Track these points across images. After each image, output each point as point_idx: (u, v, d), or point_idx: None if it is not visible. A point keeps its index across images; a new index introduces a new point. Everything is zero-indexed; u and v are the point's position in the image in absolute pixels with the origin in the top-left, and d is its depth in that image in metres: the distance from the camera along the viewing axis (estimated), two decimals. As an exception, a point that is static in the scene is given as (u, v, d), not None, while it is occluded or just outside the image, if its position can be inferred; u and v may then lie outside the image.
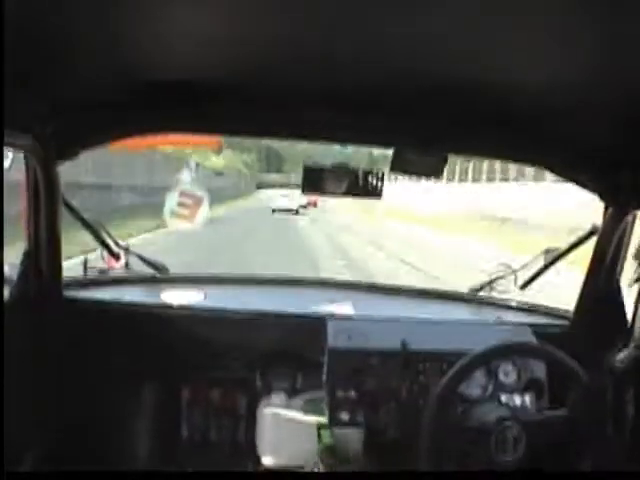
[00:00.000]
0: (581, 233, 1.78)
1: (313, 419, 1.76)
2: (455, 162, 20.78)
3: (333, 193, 1.64)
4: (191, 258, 8.05)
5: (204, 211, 2.13)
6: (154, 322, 1.81)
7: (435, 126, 1.46)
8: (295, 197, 22.65)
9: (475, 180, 22.88)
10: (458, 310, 2.07)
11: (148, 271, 2.05)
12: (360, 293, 2.17)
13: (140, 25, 0.97)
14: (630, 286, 1.55)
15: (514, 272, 2.03)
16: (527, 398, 1.64)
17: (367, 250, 13.46)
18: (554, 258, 1.87)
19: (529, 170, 16.28)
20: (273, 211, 23.67)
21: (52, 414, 1.66)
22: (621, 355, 1.46)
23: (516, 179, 19.23)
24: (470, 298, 2.10)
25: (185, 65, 1.21)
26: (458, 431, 1.49)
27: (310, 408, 1.78)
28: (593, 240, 1.71)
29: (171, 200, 2.13)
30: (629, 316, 1.63)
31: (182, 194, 2.16)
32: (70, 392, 1.69)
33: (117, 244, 1.97)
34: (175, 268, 2.20)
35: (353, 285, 2.29)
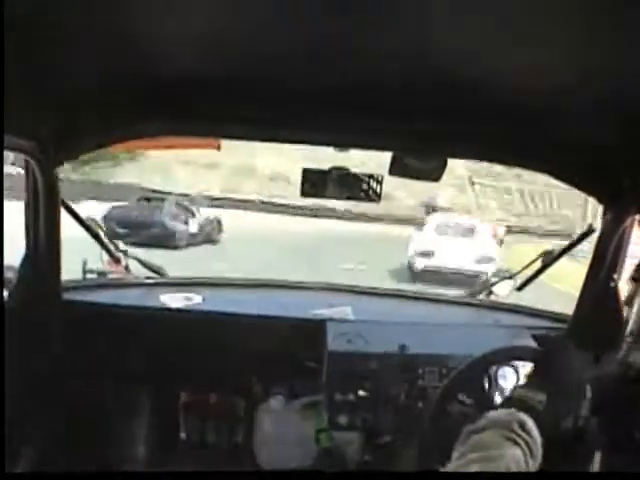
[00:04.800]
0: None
1: (312, 422, 1.76)
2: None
3: (332, 197, 1.64)
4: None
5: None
6: (153, 325, 1.81)
7: (435, 129, 1.46)
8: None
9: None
10: (457, 313, 2.07)
11: (147, 274, 2.05)
12: (359, 297, 2.17)
13: (140, 27, 0.97)
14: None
15: (512, 275, 2.04)
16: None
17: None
18: (551, 260, 1.87)
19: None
20: None
21: (51, 416, 1.65)
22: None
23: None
24: (469, 301, 2.10)
25: (186, 67, 1.21)
26: (457, 435, 1.48)
27: (309, 411, 1.78)
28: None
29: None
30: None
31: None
32: (69, 394, 1.68)
33: (117, 247, 1.97)
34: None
35: (352, 289, 2.29)
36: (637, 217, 1.57)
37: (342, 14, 0.88)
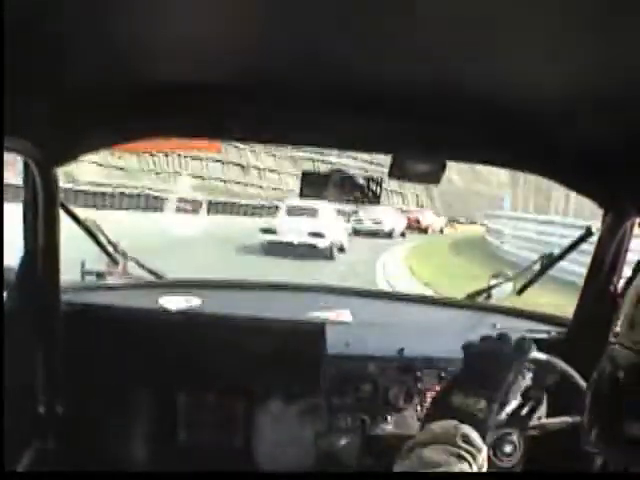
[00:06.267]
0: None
1: (311, 425, 1.75)
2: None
3: (332, 199, 1.64)
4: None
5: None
6: (151, 327, 1.81)
7: (434, 132, 1.46)
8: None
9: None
10: (456, 316, 2.07)
11: (146, 276, 2.05)
12: (358, 299, 2.17)
13: (140, 28, 0.97)
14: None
15: (511, 278, 2.04)
16: (525, 405, 1.63)
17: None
18: (550, 263, 1.87)
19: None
20: None
21: (50, 418, 1.65)
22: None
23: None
24: (467, 304, 2.10)
25: (185, 68, 1.21)
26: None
27: (308, 414, 1.77)
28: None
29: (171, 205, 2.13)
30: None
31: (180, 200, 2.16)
32: (68, 396, 1.68)
33: (115, 249, 1.96)
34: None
35: (351, 291, 2.29)
36: (637, 220, 1.57)
37: (342, 14, 0.88)
